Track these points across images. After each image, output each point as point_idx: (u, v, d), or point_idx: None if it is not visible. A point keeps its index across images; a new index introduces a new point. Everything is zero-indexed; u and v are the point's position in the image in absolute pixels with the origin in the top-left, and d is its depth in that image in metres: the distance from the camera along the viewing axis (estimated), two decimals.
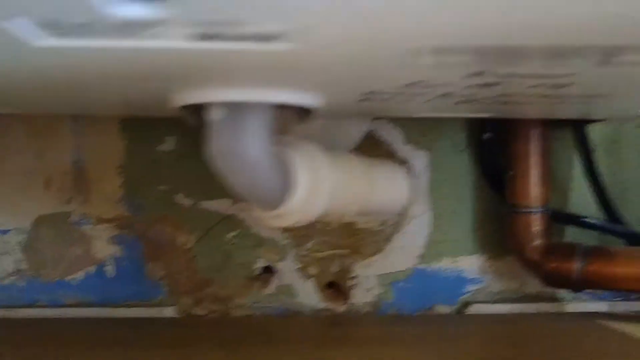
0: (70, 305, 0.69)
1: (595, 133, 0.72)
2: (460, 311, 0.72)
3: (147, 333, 0.63)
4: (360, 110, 0.52)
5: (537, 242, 0.66)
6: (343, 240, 0.70)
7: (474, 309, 0.71)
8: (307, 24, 0.24)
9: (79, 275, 0.69)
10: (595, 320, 0.67)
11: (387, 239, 0.71)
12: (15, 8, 0.22)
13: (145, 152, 0.68)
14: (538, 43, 0.28)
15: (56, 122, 0.68)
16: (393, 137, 0.70)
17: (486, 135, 0.68)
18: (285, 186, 0.45)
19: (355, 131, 0.65)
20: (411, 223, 0.71)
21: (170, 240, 0.69)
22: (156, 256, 0.69)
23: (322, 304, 0.71)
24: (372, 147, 0.69)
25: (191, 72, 0.35)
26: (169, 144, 0.68)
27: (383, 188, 0.55)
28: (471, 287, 0.72)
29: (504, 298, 0.72)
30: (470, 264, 0.72)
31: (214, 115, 0.41)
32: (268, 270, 0.70)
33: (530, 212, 0.66)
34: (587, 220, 0.68)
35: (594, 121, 0.64)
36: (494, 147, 0.69)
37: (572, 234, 0.72)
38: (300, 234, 0.70)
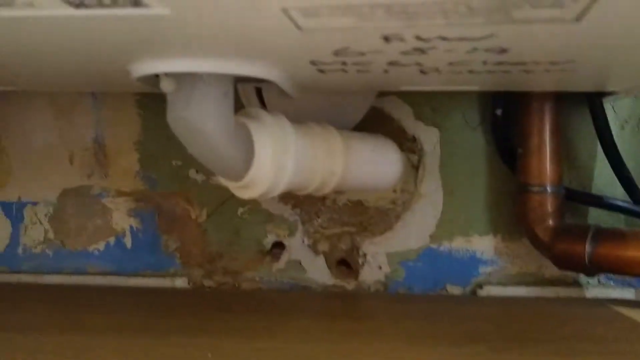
0: (92, 274, 0.73)
1: (622, 109, 0.68)
2: (473, 293, 0.70)
3: (160, 302, 0.66)
4: (342, 83, 0.51)
5: (549, 222, 0.63)
6: (352, 218, 0.70)
7: (488, 291, 0.69)
8: None
9: (100, 245, 0.73)
10: (611, 307, 0.63)
11: (397, 217, 0.70)
12: None
13: (160, 128, 0.71)
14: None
15: (79, 99, 0.72)
16: (402, 113, 0.69)
17: (499, 111, 0.66)
18: (247, 157, 0.45)
19: (359, 107, 0.64)
20: (421, 201, 0.69)
21: (184, 214, 0.71)
22: (170, 229, 0.72)
23: (331, 281, 0.71)
24: (380, 124, 0.68)
25: (128, 42, 0.36)
26: None
27: (366, 162, 0.54)
28: (485, 269, 0.70)
29: (521, 281, 0.70)
30: (484, 245, 0.70)
31: (166, 86, 0.42)
32: (278, 246, 0.71)
33: (541, 191, 0.62)
34: (606, 200, 0.64)
35: (610, 94, 0.60)
36: (509, 123, 0.66)
37: (597, 217, 0.68)
38: (309, 210, 0.70)
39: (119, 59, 0.41)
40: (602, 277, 0.69)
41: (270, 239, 0.71)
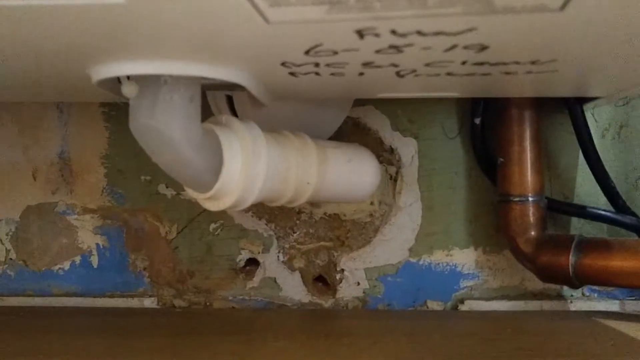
0: (57, 295, 0.69)
1: (603, 116, 0.67)
2: (454, 308, 0.68)
3: (129, 323, 0.63)
4: (316, 89, 0.49)
5: (531, 233, 0.61)
6: (329, 232, 0.68)
7: (469, 305, 0.67)
8: None
9: (65, 265, 0.69)
10: (596, 320, 0.61)
11: (376, 231, 0.67)
12: None
13: (128, 142, 0.68)
14: None
15: (43, 112, 0.69)
16: (379, 124, 0.67)
17: (478, 120, 0.64)
18: (215, 166, 0.43)
19: (334, 117, 0.62)
20: (400, 214, 0.67)
21: (152, 230, 0.68)
22: (138, 247, 0.68)
23: (308, 298, 0.68)
24: (357, 135, 0.66)
25: (83, 39, 0.33)
26: None
27: (342, 172, 0.52)
28: (467, 283, 0.68)
29: (503, 295, 0.67)
30: (465, 258, 0.68)
31: (128, 91, 0.40)
32: (252, 262, 0.69)
33: (523, 201, 0.61)
34: (590, 210, 0.63)
35: (590, 100, 0.58)
36: (488, 133, 0.65)
37: (580, 227, 0.66)
38: (284, 224, 0.68)
39: (76, 60, 0.38)
40: (586, 290, 0.67)
41: (243, 256, 0.68)
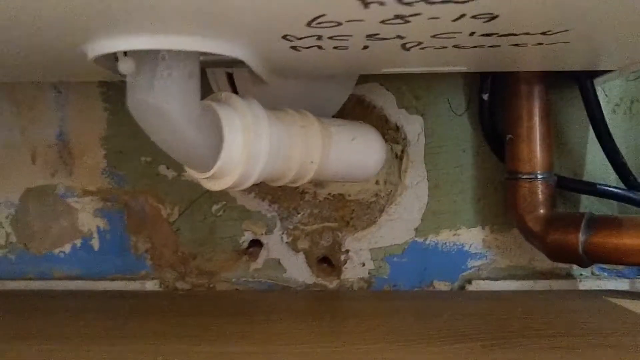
0: (58, 278, 0.68)
1: (614, 91, 0.65)
2: (461, 288, 0.67)
3: (130, 306, 0.62)
4: (319, 64, 0.48)
5: (540, 211, 0.59)
6: (333, 212, 0.66)
7: (477, 285, 0.66)
8: None
9: (66, 248, 0.68)
10: (606, 299, 0.60)
11: (381, 210, 0.66)
12: None
13: (127, 123, 0.66)
14: None
15: (41, 94, 0.67)
16: (384, 101, 0.65)
17: (486, 95, 0.62)
18: (215, 144, 0.42)
19: (338, 94, 0.61)
20: (406, 193, 0.66)
21: (154, 212, 0.67)
22: (140, 229, 0.67)
23: (312, 279, 0.67)
24: (362, 113, 0.65)
25: (79, 14, 0.32)
26: None
27: (346, 150, 0.51)
28: (474, 262, 0.67)
29: (511, 275, 0.66)
30: (472, 237, 0.66)
31: (125, 68, 0.38)
32: (256, 244, 0.67)
33: (532, 178, 0.59)
34: (600, 187, 0.61)
35: (601, 74, 0.57)
36: (496, 109, 0.63)
37: (589, 205, 0.65)
38: (288, 205, 0.66)
39: (71, 35, 0.37)
40: (595, 269, 0.66)
41: (246, 237, 0.67)
